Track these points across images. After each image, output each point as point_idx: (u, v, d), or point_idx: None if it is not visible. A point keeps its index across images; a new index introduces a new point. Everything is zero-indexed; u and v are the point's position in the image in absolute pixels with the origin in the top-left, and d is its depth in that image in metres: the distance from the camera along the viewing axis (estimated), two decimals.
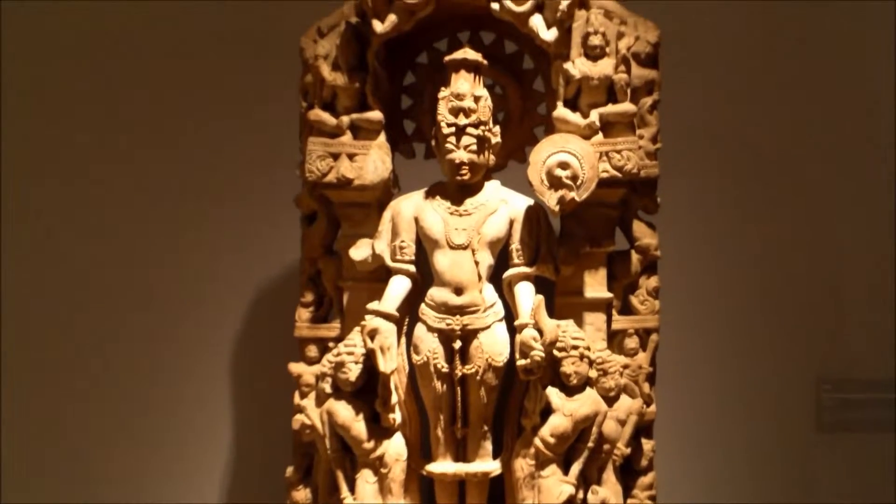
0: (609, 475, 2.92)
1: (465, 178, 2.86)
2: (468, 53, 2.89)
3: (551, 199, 2.81)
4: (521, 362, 2.78)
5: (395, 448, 2.89)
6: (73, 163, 3.77)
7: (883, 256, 3.77)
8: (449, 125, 2.83)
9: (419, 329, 2.89)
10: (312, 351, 3.05)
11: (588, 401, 2.86)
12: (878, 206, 3.77)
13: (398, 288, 2.90)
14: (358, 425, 2.88)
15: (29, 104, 3.77)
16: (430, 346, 2.86)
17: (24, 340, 3.74)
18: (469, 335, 2.85)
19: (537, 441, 2.83)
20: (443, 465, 2.91)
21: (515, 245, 2.89)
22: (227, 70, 3.75)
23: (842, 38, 3.77)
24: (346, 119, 2.99)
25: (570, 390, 2.86)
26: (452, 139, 2.84)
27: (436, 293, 2.87)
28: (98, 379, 3.74)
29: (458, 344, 2.85)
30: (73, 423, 3.73)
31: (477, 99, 2.84)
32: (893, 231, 3.75)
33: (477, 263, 2.86)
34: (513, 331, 2.84)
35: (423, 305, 2.89)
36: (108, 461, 3.71)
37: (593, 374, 2.89)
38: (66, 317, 3.75)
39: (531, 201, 2.91)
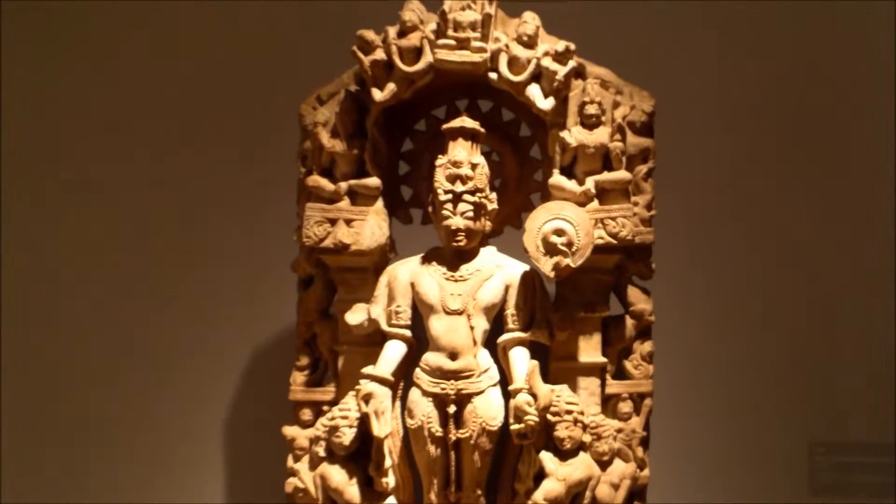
0: None
1: (462, 244, 2.88)
2: (466, 121, 2.93)
3: (547, 265, 2.83)
4: (515, 427, 2.78)
5: None
6: (73, 224, 3.80)
7: (879, 317, 3.78)
8: (446, 192, 2.86)
9: (414, 393, 2.89)
10: (307, 414, 3.05)
11: (582, 465, 2.87)
12: (874, 266, 3.79)
13: (393, 352, 2.91)
14: (351, 489, 2.88)
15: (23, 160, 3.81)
16: (424, 410, 2.86)
17: (22, 391, 3.74)
18: (463, 399, 2.86)
19: None
20: None
21: (511, 310, 2.91)
22: (228, 134, 3.79)
23: (839, 100, 3.81)
24: (343, 185, 3.01)
25: (563, 455, 2.87)
26: (449, 206, 2.87)
27: (431, 358, 2.88)
28: (92, 439, 3.73)
29: (452, 408, 2.85)
30: (63, 483, 3.72)
31: (474, 166, 2.88)
32: (893, 291, 3.77)
33: (472, 328, 2.87)
34: (507, 395, 2.85)
35: (417, 370, 2.89)
36: None
37: (587, 438, 2.89)
38: (64, 374, 3.75)
39: (526, 267, 2.93)
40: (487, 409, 2.86)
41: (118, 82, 3.83)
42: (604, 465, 2.91)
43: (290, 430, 3.05)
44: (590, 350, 3.01)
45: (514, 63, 2.93)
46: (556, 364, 2.99)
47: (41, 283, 3.79)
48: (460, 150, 2.89)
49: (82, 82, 3.83)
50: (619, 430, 2.99)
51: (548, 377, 2.91)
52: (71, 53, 3.82)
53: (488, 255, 2.95)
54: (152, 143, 3.81)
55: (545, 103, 2.95)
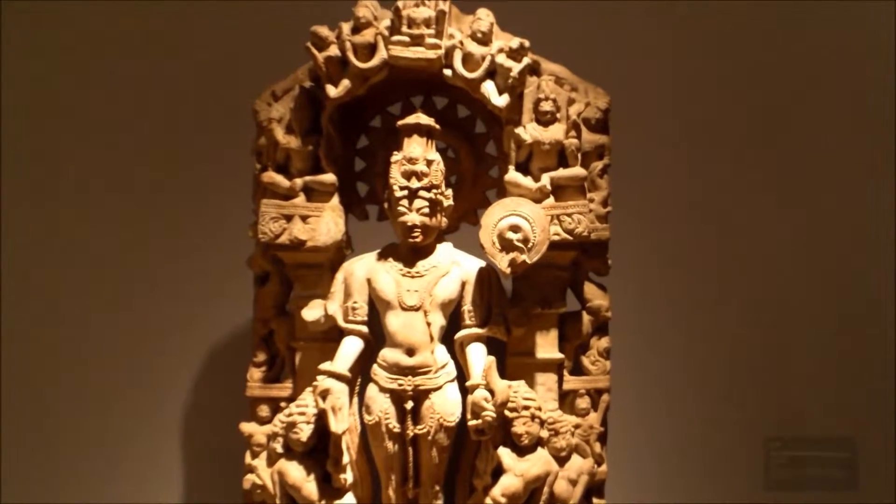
0: None
1: (418, 240, 2.89)
2: (421, 118, 2.94)
3: (503, 261, 2.84)
4: (472, 423, 2.80)
5: None
6: (27, 224, 3.77)
7: (834, 311, 3.82)
8: (402, 188, 2.87)
9: (371, 389, 2.90)
10: (264, 411, 3.05)
11: (539, 461, 2.88)
12: (828, 259, 3.83)
13: (350, 348, 2.91)
14: (309, 485, 2.88)
15: None
16: (381, 406, 2.87)
17: None
18: (421, 395, 2.87)
19: (488, 501, 2.84)
20: None
21: (467, 306, 2.92)
22: (182, 130, 3.77)
23: (791, 96, 3.85)
24: (299, 181, 3.01)
25: (521, 450, 2.88)
26: (405, 202, 2.88)
27: (388, 354, 2.88)
28: (47, 438, 3.71)
29: (409, 404, 2.86)
30: (19, 479, 3.70)
31: (429, 163, 2.89)
32: (848, 286, 3.81)
33: (429, 325, 2.88)
34: (464, 391, 2.86)
35: (375, 366, 2.90)
36: None
37: (545, 434, 2.91)
38: (17, 375, 3.73)
39: (483, 263, 2.95)
40: (445, 406, 2.87)
41: (68, 79, 3.80)
42: (561, 461, 2.93)
43: (247, 427, 3.04)
44: (547, 346, 3.02)
45: (468, 60, 2.94)
46: (513, 360, 3.00)
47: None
48: (415, 147, 2.91)
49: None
50: (577, 426, 3.01)
51: (505, 373, 2.92)
52: None
53: (444, 252, 2.96)
54: (105, 141, 3.78)
55: (500, 100, 2.96)
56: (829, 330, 3.82)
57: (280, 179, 3.02)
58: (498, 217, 2.87)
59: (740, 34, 3.84)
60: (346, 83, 2.96)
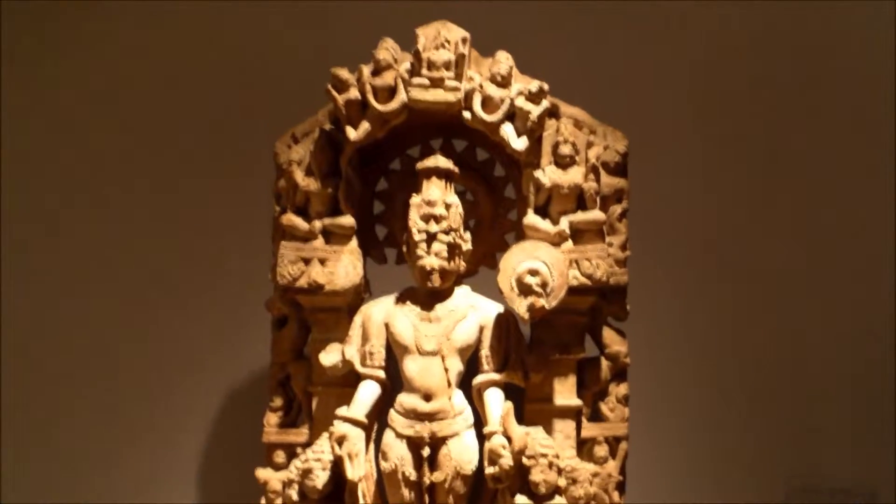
0: None
1: (436, 284, 2.87)
2: (440, 161, 2.93)
3: (521, 306, 2.82)
4: (489, 470, 2.76)
5: None
6: (49, 258, 3.79)
7: (858, 360, 3.79)
8: (420, 231, 2.85)
9: (388, 435, 2.86)
10: (280, 456, 3.02)
11: None
12: (851, 306, 3.80)
13: (367, 393, 2.88)
14: None
15: None
16: (398, 452, 2.84)
17: None
18: (438, 442, 2.83)
19: None
20: None
21: (485, 351, 2.89)
22: (202, 171, 3.78)
23: (813, 142, 3.85)
24: (318, 224, 3.00)
25: (538, 498, 2.83)
26: (423, 245, 2.86)
27: (405, 399, 2.86)
28: (62, 479, 3.69)
29: (426, 451, 2.83)
30: None
31: (448, 206, 2.87)
32: (871, 334, 3.78)
33: (446, 370, 2.85)
34: (482, 438, 2.83)
35: (391, 412, 2.87)
36: None
37: (562, 482, 2.86)
38: (30, 414, 3.72)
39: (501, 308, 2.92)
40: (462, 452, 2.83)
41: (84, 121, 3.83)
42: None
43: (263, 473, 3.00)
44: (565, 392, 2.98)
45: (487, 102, 2.93)
46: (531, 406, 2.97)
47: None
48: (434, 190, 2.89)
49: None
50: (595, 475, 2.96)
51: (523, 419, 2.88)
52: None
53: (462, 296, 2.94)
54: (124, 181, 3.79)
55: (519, 143, 2.95)
56: (851, 377, 3.78)
57: (299, 222, 3.01)
58: (516, 261, 2.84)
59: (761, 79, 3.84)
60: (365, 126, 2.95)
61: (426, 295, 2.91)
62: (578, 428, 3.00)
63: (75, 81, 3.83)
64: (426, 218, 2.86)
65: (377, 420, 2.92)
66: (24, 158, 3.81)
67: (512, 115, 2.94)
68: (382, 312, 2.92)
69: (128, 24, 3.85)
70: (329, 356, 2.93)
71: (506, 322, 2.90)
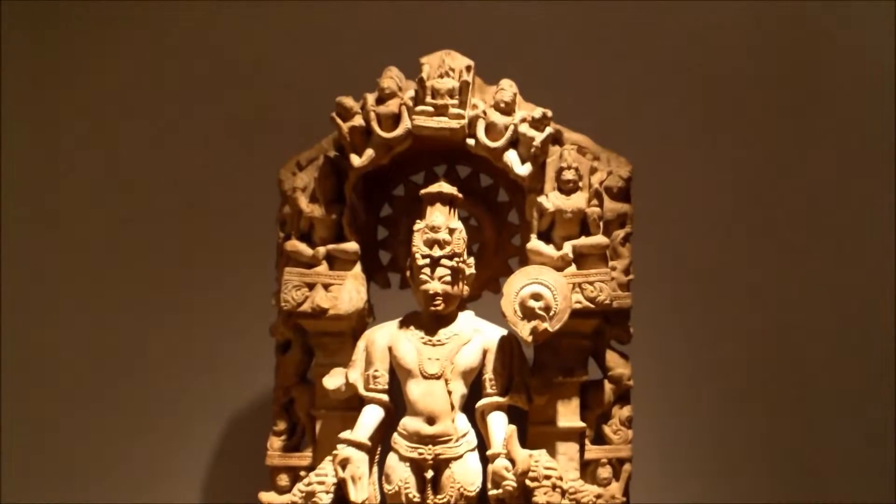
0: None
1: (439, 308, 2.89)
2: (443, 187, 2.96)
3: (524, 329, 2.84)
4: (493, 492, 2.78)
5: None
6: (41, 279, 3.80)
7: (865, 383, 3.78)
8: (424, 256, 2.88)
9: (391, 458, 2.88)
10: (284, 480, 3.03)
11: None
12: (858, 329, 3.79)
13: (371, 417, 2.90)
14: None
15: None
16: (401, 475, 2.85)
17: None
18: (441, 465, 2.85)
19: None
20: None
21: (488, 375, 2.91)
22: (207, 197, 3.79)
23: (817, 166, 3.85)
24: (322, 249, 3.02)
25: None
26: (427, 270, 2.88)
27: (408, 422, 2.87)
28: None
29: (430, 473, 2.84)
30: None
31: (452, 231, 2.90)
32: (878, 356, 3.77)
33: (450, 393, 2.87)
34: (485, 460, 2.85)
35: (395, 435, 2.89)
36: None
37: None
38: (28, 442, 3.73)
39: (504, 331, 2.94)
40: (465, 475, 2.85)
41: (91, 157, 3.85)
42: None
43: (266, 496, 3.02)
44: (568, 415, 3.00)
45: (491, 129, 2.96)
46: (535, 429, 2.98)
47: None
48: (438, 215, 2.92)
49: None
50: (599, 496, 2.97)
51: (526, 442, 2.89)
52: None
53: (466, 320, 2.96)
54: (129, 209, 3.81)
55: (522, 169, 2.98)
56: (860, 399, 3.78)
57: (303, 248, 3.03)
58: (520, 285, 2.87)
59: (766, 104, 3.85)
60: (370, 152, 2.98)
61: (430, 319, 2.93)
62: (582, 450, 3.02)
63: (77, 112, 3.86)
64: (430, 243, 2.88)
65: (381, 443, 2.93)
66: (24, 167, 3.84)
67: (515, 141, 2.97)
68: (386, 337, 2.94)
69: (134, 43, 3.87)
70: (332, 380, 2.94)
71: (509, 345, 2.92)
